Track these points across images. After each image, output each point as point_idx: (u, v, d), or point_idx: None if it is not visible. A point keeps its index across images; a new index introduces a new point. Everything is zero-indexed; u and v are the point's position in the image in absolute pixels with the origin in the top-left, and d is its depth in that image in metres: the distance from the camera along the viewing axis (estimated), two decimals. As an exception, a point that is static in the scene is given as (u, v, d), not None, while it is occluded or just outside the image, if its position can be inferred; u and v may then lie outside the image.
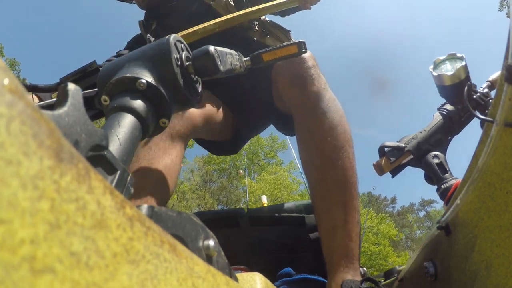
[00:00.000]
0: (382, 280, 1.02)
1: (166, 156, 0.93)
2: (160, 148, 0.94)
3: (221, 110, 1.21)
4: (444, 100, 1.13)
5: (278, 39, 1.32)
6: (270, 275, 0.52)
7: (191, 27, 1.10)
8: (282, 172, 15.20)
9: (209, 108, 1.13)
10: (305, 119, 0.95)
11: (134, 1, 1.50)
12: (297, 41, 0.70)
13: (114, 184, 0.33)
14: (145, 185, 0.86)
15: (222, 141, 1.35)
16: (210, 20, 1.28)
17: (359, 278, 0.78)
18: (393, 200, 24.69)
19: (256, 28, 1.30)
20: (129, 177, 0.36)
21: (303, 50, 0.71)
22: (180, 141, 0.99)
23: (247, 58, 0.68)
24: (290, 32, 1.38)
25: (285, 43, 0.70)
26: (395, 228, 16.74)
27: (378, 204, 23.34)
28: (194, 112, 1.04)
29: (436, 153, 1.08)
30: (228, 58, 0.61)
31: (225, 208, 15.30)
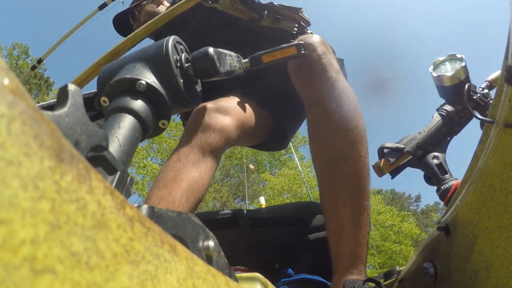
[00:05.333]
0: (382, 281, 1.02)
1: (194, 169, 0.91)
2: (189, 160, 0.92)
3: (254, 113, 1.18)
4: (443, 101, 1.13)
5: (293, 20, 1.29)
6: (270, 276, 0.52)
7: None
8: (303, 167, 14.86)
9: (242, 116, 1.10)
10: (315, 112, 0.90)
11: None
12: (296, 42, 0.71)
13: (114, 184, 0.33)
14: (169, 195, 0.85)
15: (261, 142, 1.33)
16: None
17: (362, 279, 0.77)
18: (418, 198, 24.02)
19: (266, 17, 1.28)
20: (129, 178, 0.36)
21: (302, 52, 0.71)
22: (212, 155, 0.96)
23: (246, 60, 0.69)
24: (301, 9, 1.35)
25: (284, 45, 0.71)
26: (418, 227, 16.15)
27: (401, 202, 22.81)
28: (227, 123, 1.01)
29: (436, 153, 1.08)
30: (228, 59, 0.62)
31: (242, 202, 15.24)
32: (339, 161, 0.84)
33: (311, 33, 1.18)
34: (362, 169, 0.84)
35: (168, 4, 1.59)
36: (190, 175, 0.89)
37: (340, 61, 1.12)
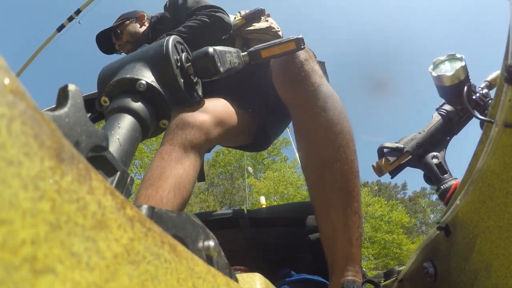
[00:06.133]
0: (382, 281, 1.02)
1: (178, 165, 0.93)
2: (173, 158, 0.94)
3: (236, 114, 1.20)
4: (442, 101, 1.13)
5: (262, 41, 1.34)
6: (270, 276, 0.52)
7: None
8: (287, 168, 14.93)
9: (221, 114, 1.12)
10: (300, 119, 0.90)
11: (122, 52, 1.65)
12: (295, 37, 0.69)
13: (114, 184, 0.33)
14: (157, 193, 0.86)
15: (246, 143, 1.36)
16: None
17: (360, 280, 0.77)
18: (404, 186, 24.20)
19: (237, 44, 1.36)
20: (129, 178, 0.36)
21: (302, 46, 0.70)
22: (194, 151, 0.98)
23: (245, 53, 0.68)
24: (273, 28, 1.40)
25: (283, 39, 0.69)
26: (407, 214, 16.33)
27: (389, 192, 22.86)
28: (205, 120, 1.04)
29: (435, 153, 1.08)
30: (227, 57, 0.61)
31: (229, 209, 15.34)
32: (327, 165, 0.84)
33: None
34: (350, 171, 0.83)
35: (148, 25, 1.63)
36: (174, 172, 0.91)
37: (321, 64, 1.14)
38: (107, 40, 1.67)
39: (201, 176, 1.37)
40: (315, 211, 0.87)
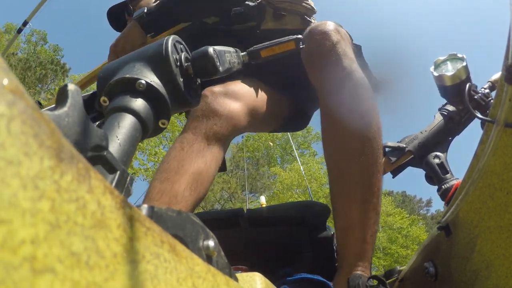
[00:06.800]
0: (383, 281, 1.02)
1: (199, 158, 0.85)
2: (194, 149, 0.86)
3: (268, 98, 1.10)
4: (445, 101, 1.13)
5: (296, 13, 1.22)
6: (270, 275, 0.52)
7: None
8: (314, 163, 14.63)
9: (254, 101, 1.02)
10: (328, 105, 0.85)
11: None
12: (294, 37, 0.69)
13: (114, 184, 0.33)
14: (172, 188, 0.80)
15: (277, 128, 1.27)
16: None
17: (367, 276, 0.77)
18: (429, 202, 23.36)
19: (267, 15, 1.20)
20: (128, 178, 0.36)
21: (301, 46, 0.69)
22: (218, 143, 0.90)
23: (245, 53, 0.68)
24: None
25: (283, 39, 0.69)
26: (427, 232, 15.66)
27: (412, 205, 22.21)
28: (236, 110, 0.94)
29: (437, 153, 1.08)
30: (227, 56, 0.61)
31: (251, 195, 15.29)
32: (351, 157, 0.81)
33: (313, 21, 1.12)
34: (374, 166, 0.80)
35: None
36: (194, 166, 0.84)
37: (358, 48, 1.05)
38: (119, 16, 1.55)
39: (222, 166, 1.30)
40: (333, 203, 0.84)
